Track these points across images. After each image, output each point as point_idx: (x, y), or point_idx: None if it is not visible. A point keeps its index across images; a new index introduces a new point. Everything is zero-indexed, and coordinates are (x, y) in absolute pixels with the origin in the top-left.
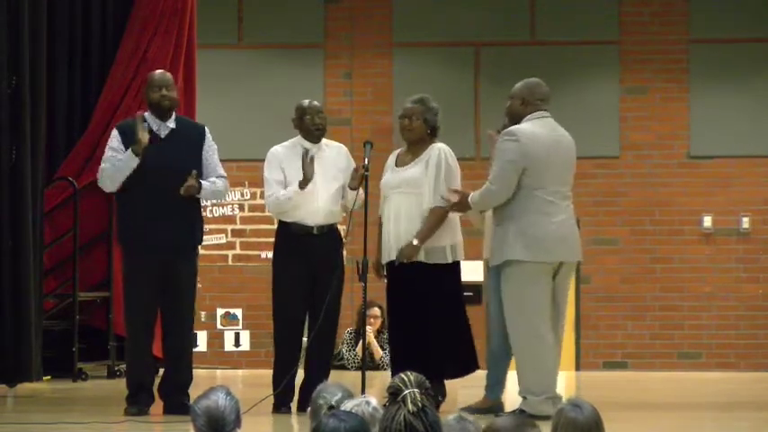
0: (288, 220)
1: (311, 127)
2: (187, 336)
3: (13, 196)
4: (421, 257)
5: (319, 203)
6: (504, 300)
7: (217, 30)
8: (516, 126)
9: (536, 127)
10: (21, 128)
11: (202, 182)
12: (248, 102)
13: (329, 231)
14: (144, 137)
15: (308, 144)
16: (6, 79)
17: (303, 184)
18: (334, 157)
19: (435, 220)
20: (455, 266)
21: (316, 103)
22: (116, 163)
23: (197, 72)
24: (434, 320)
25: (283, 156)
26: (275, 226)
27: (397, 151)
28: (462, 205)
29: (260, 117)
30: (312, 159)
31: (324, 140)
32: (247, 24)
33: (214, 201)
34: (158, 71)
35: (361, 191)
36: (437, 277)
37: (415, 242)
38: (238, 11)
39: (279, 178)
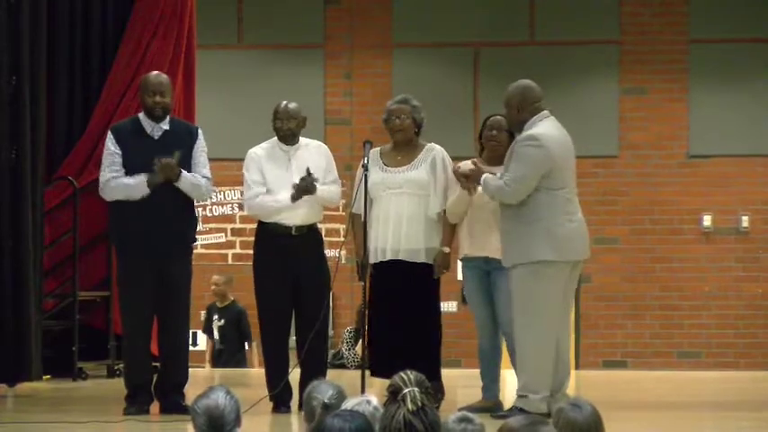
0: (267, 220)
1: (279, 132)
2: (182, 336)
3: (14, 196)
4: (404, 257)
5: (297, 204)
6: (519, 298)
7: (217, 30)
8: (537, 131)
9: (550, 128)
10: (21, 128)
11: (183, 171)
12: (248, 102)
13: (309, 232)
14: (168, 173)
15: (284, 146)
16: (6, 79)
17: (295, 197)
18: (313, 157)
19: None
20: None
21: (290, 105)
22: (125, 186)
23: (197, 72)
24: (417, 320)
25: (262, 157)
26: None
27: (377, 150)
28: (474, 180)
29: (260, 117)
30: (311, 181)
31: (303, 140)
32: (247, 25)
33: (207, 200)
34: (153, 73)
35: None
36: (423, 276)
37: (446, 250)
38: (238, 11)
39: (258, 179)
